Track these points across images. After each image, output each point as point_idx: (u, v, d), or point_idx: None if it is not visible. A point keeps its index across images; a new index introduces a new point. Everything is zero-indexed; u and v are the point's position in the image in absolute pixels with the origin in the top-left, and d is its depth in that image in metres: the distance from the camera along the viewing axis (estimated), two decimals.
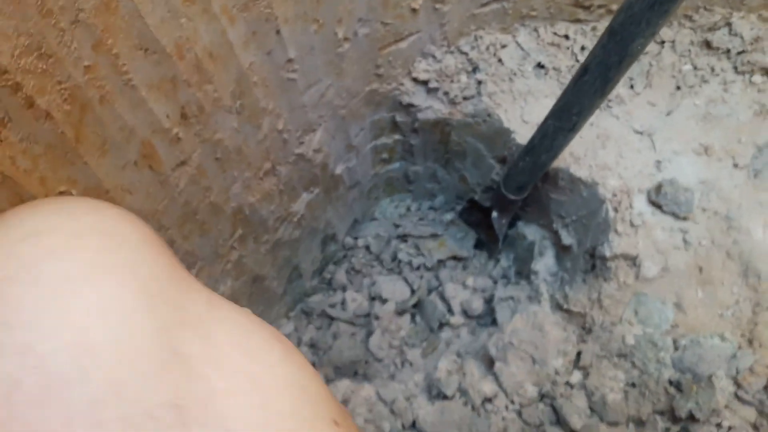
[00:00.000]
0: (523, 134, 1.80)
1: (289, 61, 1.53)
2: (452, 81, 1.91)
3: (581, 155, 1.74)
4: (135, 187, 1.25)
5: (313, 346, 2.07)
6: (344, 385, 1.52)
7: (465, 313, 1.96)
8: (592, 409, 1.48)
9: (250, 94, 1.47)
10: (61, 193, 1.06)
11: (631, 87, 1.88)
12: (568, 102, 1.42)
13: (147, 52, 1.14)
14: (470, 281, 2.04)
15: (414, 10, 1.70)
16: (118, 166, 1.18)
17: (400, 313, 2.05)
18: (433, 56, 1.89)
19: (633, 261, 1.60)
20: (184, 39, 1.20)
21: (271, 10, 1.36)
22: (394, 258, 2.21)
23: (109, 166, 1.16)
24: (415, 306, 2.07)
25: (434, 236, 2.19)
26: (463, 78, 1.91)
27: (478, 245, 2.19)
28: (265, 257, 1.91)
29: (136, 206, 1.26)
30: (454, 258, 2.14)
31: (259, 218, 1.77)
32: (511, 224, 2.01)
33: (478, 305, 1.92)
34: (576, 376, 1.52)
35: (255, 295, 1.94)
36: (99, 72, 1.06)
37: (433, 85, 1.90)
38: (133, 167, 1.23)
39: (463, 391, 1.48)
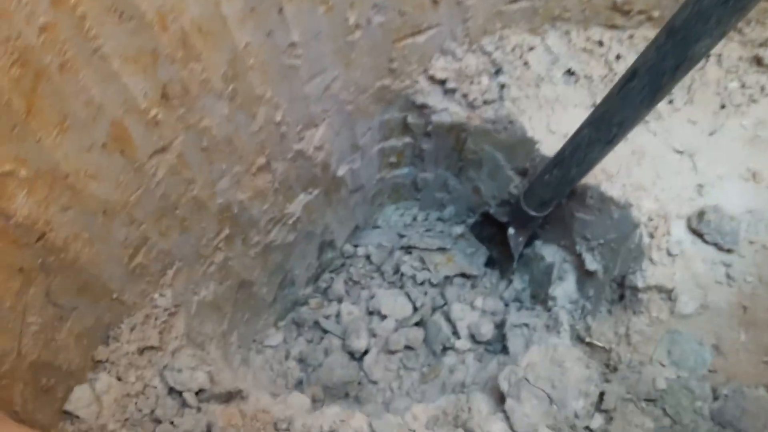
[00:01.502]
0: (548, 145, 1.62)
1: (292, 45, 1.35)
2: (472, 82, 1.73)
3: (614, 172, 1.56)
4: (102, 174, 1.07)
5: (302, 361, 1.88)
6: (332, 412, 1.34)
7: (472, 337, 1.77)
8: None
9: (245, 79, 1.29)
10: (7, 174, 0.88)
11: (671, 102, 1.70)
12: (609, 110, 1.24)
13: (122, 17, 0.96)
14: (479, 302, 1.85)
15: (435, 1, 1.52)
16: (82, 147, 1.01)
17: (399, 331, 1.86)
18: (453, 54, 1.72)
19: (668, 294, 1.41)
20: (168, 7, 1.03)
21: None
22: (397, 270, 2.03)
23: (70, 147, 0.98)
24: (417, 325, 1.88)
25: (442, 250, 2.00)
26: (485, 80, 1.73)
27: (490, 263, 2.00)
28: (255, 261, 1.72)
29: (102, 195, 1.09)
30: (463, 275, 1.96)
31: (248, 218, 1.59)
32: (528, 243, 1.83)
33: (487, 330, 1.74)
34: (597, 421, 1.34)
35: (241, 301, 1.75)
36: (59, 34, 0.88)
37: (450, 85, 1.73)
38: (101, 150, 1.05)
39: (469, 431, 1.30)
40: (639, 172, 1.56)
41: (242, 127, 1.37)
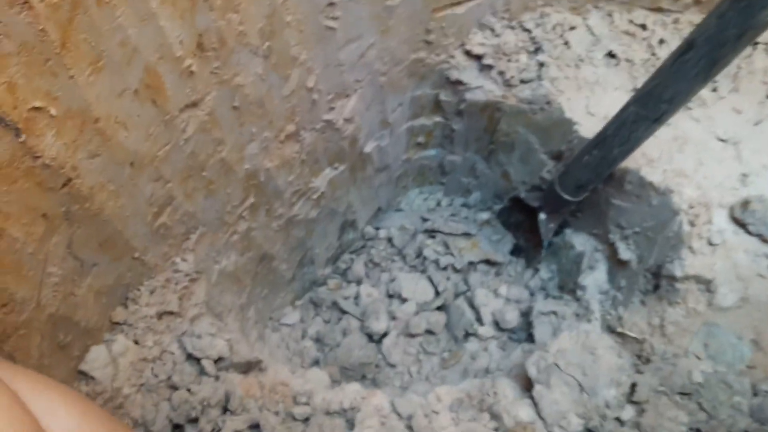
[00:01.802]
0: (587, 127, 1.57)
1: (331, 5, 1.30)
2: (510, 60, 1.68)
3: (655, 157, 1.50)
4: (133, 122, 1.03)
5: (318, 340, 1.84)
6: (353, 389, 1.30)
7: (496, 324, 1.72)
8: None
9: (281, 37, 1.25)
10: (36, 110, 0.84)
11: (715, 90, 1.64)
12: (659, 85, 1.18)
13: None
14: (503, 290, 1.80)
15: None
16: (115, 90, 0.96)
17: (420, 315, 1.81)
18: (492, 29, 1.66)
19: (707, 285, 1.35)
20: None
21: None
22: (419, 254, 1.98)
23: (102, 89, 0.94)
24: (438, 309, 1.83)
25: (467, 235, 1.95)
26: (523, 58, 1.68)
27: (515, 251, 1.95)
28: (277, 234, 1.68)
29: (131, 146, 1.04)
30: (487, 262, 1.90)
31: (274, 188, 1.55)
32: (558, 231, 1.77)
33: (512, 317, 1.68)
34: (629, 412, 1.28)
35: (261, 276, 1.71)
36: None
37: (487, 61, 1.67)
38: (133, 97, 1.01)
39: (495, 415, 1.24)
40: (681, 158, 1.50)
41: (275, 88, 1.32)
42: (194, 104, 1.14)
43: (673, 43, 1.69)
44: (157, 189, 1.16)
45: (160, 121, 1.08)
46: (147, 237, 1.21)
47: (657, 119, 1.24)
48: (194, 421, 1.20)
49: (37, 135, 0.85)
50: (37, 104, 0.83)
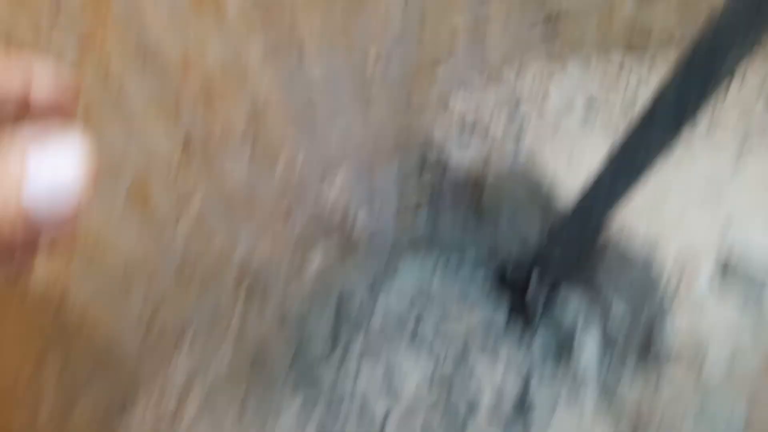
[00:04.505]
0: (572, 188, 1.59)
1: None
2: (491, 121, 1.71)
3: (637, 210, 1.50)
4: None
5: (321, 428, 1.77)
6: None
7: (499, 394, 1.68)
8: None
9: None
10: None
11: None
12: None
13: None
14: (504, 354, 1.77)
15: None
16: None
17: (421, 389, 1.77)
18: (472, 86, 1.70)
19: (696, 351, 1.34)
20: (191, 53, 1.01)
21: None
22: (418, 323, 1.95)
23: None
24: (439, 382, 1.79)
25: (463, 297, 1.94)
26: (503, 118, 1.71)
27: (514, 311, 1.93)
28: (271, 327, 1.65)
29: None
30: (485, 326, 1.88)
31: (266, 278, 1.53)
32: (552, 289, 1.77)
33: (512, 389, 1.65)
34: None
35: (255, 372, 1.66)
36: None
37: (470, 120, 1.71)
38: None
39: None
40: (666, 208, 1.49)
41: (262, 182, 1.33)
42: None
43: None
44: (148, 295, 1.15)
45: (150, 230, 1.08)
46: (139, 348, 1.18)
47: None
48: None
49: None
50: None
